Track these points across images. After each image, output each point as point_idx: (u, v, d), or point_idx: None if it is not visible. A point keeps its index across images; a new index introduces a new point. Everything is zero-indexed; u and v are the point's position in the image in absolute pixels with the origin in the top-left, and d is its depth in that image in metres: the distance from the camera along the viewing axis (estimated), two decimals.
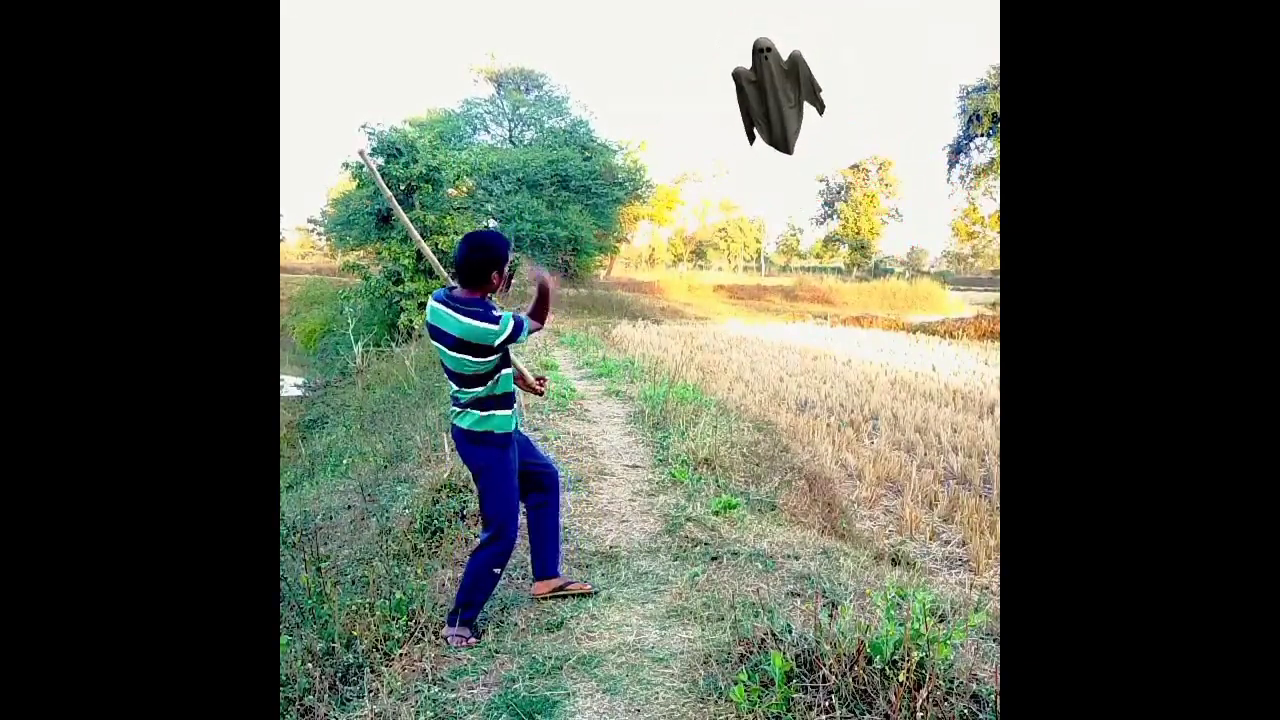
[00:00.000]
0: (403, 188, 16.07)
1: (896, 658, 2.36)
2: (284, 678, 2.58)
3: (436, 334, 2.96)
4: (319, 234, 42.42)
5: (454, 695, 2.63)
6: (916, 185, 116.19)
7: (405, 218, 3.74)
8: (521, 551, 3.62)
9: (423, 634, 2.97)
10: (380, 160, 16.21)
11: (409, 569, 3.53)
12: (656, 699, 2.59)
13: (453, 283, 3.04)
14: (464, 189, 21.10)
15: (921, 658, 2.32)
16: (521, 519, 3.44)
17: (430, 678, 2.73)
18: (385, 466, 6.06)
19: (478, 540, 3.18)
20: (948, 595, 3.65)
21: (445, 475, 4.67)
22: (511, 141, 30.51)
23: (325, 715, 2.50)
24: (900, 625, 2.42)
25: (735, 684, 2.43)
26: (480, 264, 2.93)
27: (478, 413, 3.01)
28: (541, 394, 3.49)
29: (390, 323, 16.18)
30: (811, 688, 2.38)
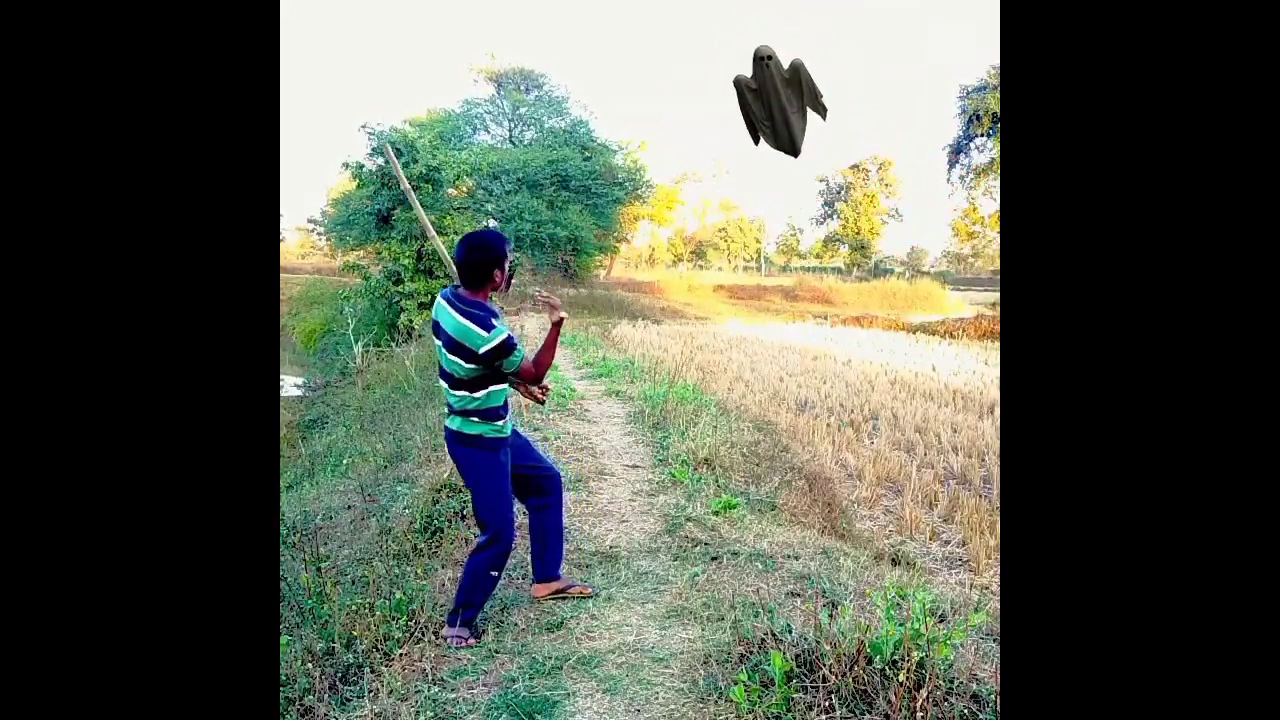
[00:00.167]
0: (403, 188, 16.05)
1: (896, 658, 2.36)
2: (284, 678, 2.58)
3: (437, 330, 2.96)
4: (319, 234, 42.47)
5: (454, 695, 2.63)
6: (916, 185, 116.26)
7: (420, 208, 3.75)
8: (521, 551, 3.62)
9: (423, 634, 2.97)
10: (380, 160, 16.21)
11: (409, 569, 3.53)
12: (656, 699, 2.59)
13: (458, 280, 3.04)
14: (464, 189, 21.10)
15: (921, 658, 2.32)
16: (523, 519, 3.44)
17: (430, 678, 2.73)
18: (385, 466, 6.06)
19: (476, 542, 3.18)
20: (948, 595, 3.65)
21: (445, 475, 4.66)
22: (511, 141, 30.54)
23: (325, 715, 2.50)
24: (900, 625, 2.42)
25: (735, 684, 2.43)
26: (480, 264, 2.93)
27: (465, 418, 3.00)
28: (543, 402, 3.48)
29: (390, 323, 16.17)
30: (811, 688, 2.38)
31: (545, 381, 3.33)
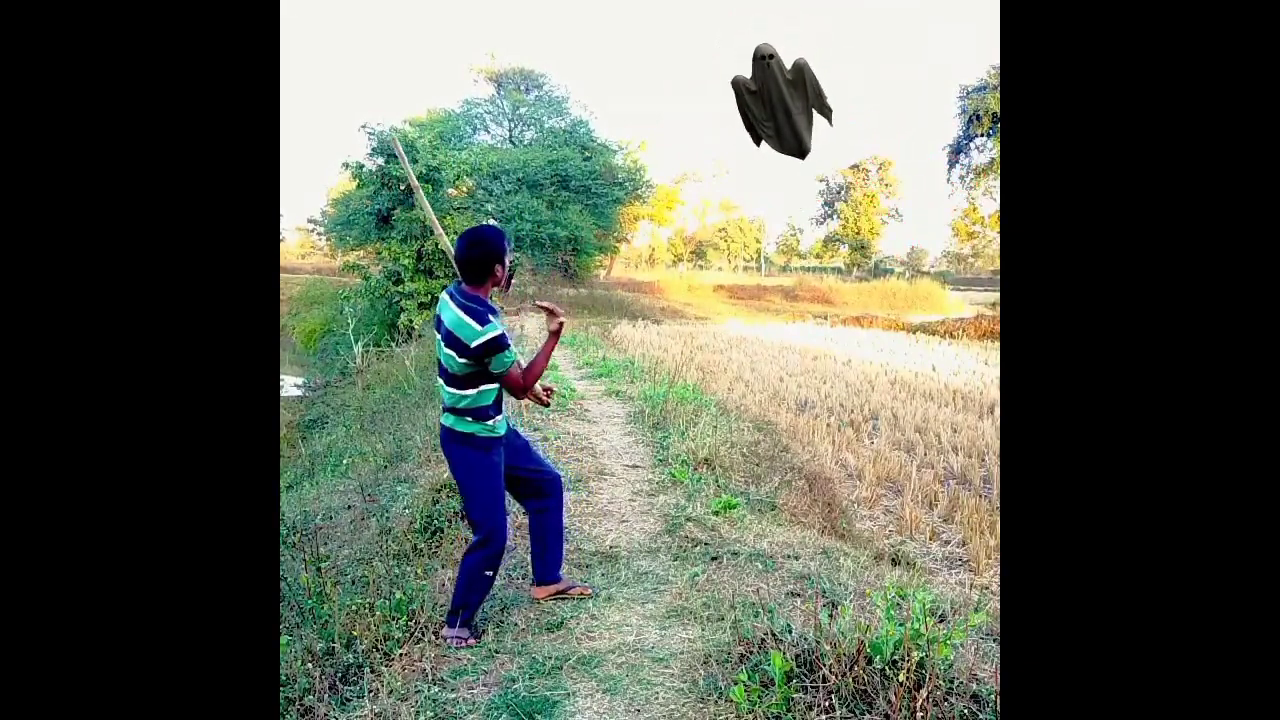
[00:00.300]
0: (403, 188, 16.06)
1: (896, 658, 2.36)
2: (284, 678, 2.58)
3: (438, 325, 2.97)
4: (319, 234, 42.49)
5: (454, 695, 2.63)
6: (916, 185, 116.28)
7: (427, 205, 3.76)
8: (522, 552, 3.62)
9: (423, 634, 2.96)
10: (381, 160, 16.22)
11: (409, 569, 3.53)
12: (656, 699, 2.59)
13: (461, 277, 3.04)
14: (464, 189, 21.11)
15: (921, 658, 2.32)
16: (524, 520, 3.43)
17: (430, 678, 2.73)
18: (385, 466, 6.06)
19: (470, 542, 3.16)
20: (948, 595, 3.65)
21: (445, 475, 4.66)
22: (511, 141, 30.56)
23: (325, 715, 2.50)
24: (900, 625, 2.42)
25: (735, 684, 2.43)
26: (479, 259, 2.92)
27: (458, 416, 3.00)
28: (547, 404, 3.46)
29: (390, 323, 16.17)
30: (811, 688, 2.38)
31: (548, 383, 3.32)
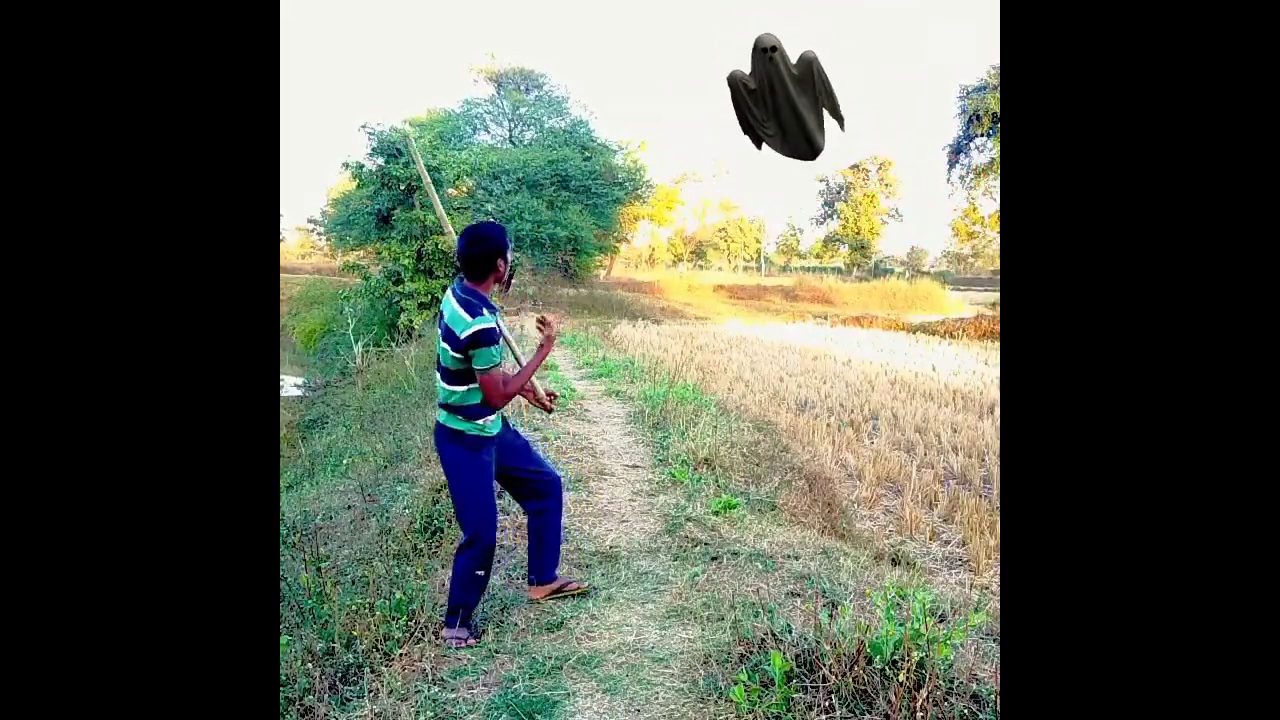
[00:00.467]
0: (403, 188, 16.08)
1: (896, 658, 2.36)
2: (284, 678, 2.58)
3: (439, 320, 2.97)
4: (319, 234, 42.53)
5: (454, 695, 2.63)
6: (916, 185, 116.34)
7: (437, 200, 3.76)
8: (522, 551, 3.62)
9: (423, 634, 2.96)
10: (381, 160, 16.21)
11: (409, 569, 3.53)
12: (656, 699, 2.59)
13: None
14: (464, 189, 21.11)
15: (921, 658, 2.32)
16: (523, 520, 3.43)
17: (430, 678, 2.73)
18: (385, 466, 6.06)
19: (459, 542, 3.15)
20: (948, 595, 3.65)
21: (443, 474, 4.67)
22: (511, 141, 30.55)
23: (325, 715, 2.50)
24: (900, 625, 2.42)
25: (735, 684, 2.43)
26: (481, 256, 2.92)
27: (450, 414, 2.99)
28: (550, 410, 3.45)
29: (390, 323, 16.18)
30: (811, 688, 2.38)
31: (551, 388, 3.33)
